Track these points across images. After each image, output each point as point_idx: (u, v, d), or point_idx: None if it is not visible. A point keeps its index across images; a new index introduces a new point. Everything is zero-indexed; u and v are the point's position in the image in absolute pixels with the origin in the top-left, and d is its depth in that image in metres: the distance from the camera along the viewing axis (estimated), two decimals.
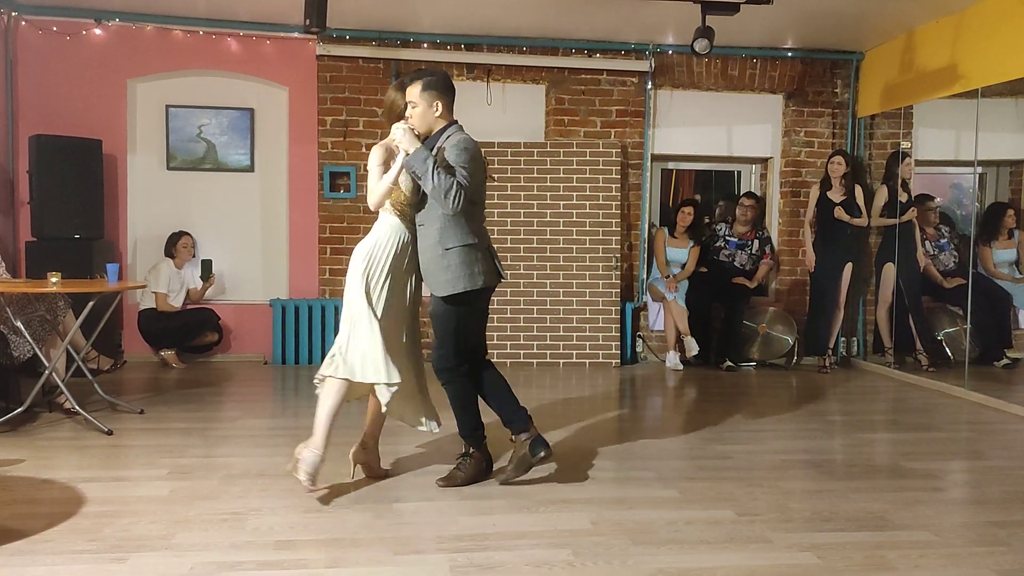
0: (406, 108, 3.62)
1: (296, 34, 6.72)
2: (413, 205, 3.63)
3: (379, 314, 3.53)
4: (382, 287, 3.56)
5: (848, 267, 6.96)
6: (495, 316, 6.92)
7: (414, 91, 3.57)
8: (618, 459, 4.19)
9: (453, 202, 3.39)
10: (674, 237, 7.17)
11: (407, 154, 3.47)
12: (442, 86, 3.61)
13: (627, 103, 7.21)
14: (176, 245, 6.69)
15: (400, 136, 3.50)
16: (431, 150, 3.51)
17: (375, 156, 3.63)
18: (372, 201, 3.62)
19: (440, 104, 3.58)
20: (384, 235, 3.61)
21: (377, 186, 3.57)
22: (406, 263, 3.63)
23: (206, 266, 6.68)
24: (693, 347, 6.83)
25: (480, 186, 3.59)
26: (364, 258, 3.56)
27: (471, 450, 3.75)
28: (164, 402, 5.35)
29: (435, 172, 3.39)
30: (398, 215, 3.62)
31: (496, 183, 6.92)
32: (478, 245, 3.58)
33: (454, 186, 3.39)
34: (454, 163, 3.46)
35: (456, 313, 3.59)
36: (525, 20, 6.54)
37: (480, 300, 3.68)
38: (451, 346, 3.60)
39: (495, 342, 6.87)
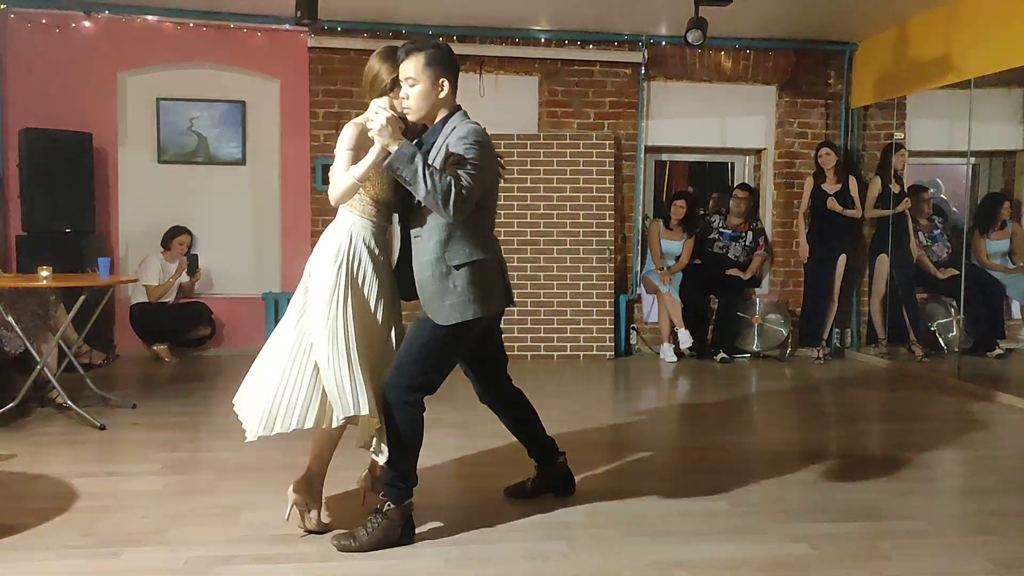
0: (392, 86, 2.90)
1: (287, 26, 6.67)
2: (389, 204, 2.96)
3: (375, 329, 2.94)
4: (370, 298, 2.93)
5: (842, 258, 6.96)
6: None
7: (414, 65, 2.81)
8: (612, 451, 4.19)
9: (453, 208, 2.67)
10: (669, 229, 7.16)
11: (385, 149, 2.71)
12: (449, 61, 2.88)
13: (620, 95, 7.18)
14: (173, 240, 6.64)
15: (379, 124, 2.67)
16: (431, 146, 2.85)
17: (347, 137, 2.87)
18: (334, 195, 2.87)
19: (447, 84, 2.87)
20: (347, 240, 2.93)
21: (341, 178, 2.83)
22: (384, 269, 2.98)
23: (193, 261, 6.64)
24: (686, 339, 6.84)
25: (492, 187, 2.94)
26: (334, 274, 2.89)
27: (388, 505, 2.92)
28: (157, 397, 5.32)
29: (427, 175, 2.65)
30: (365, 215, 2.93)
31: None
32: (488, 261, 2.92)
33: (453, 188, 2.67)
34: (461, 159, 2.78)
35: (447, 340, 2.88)
36: (518, 11, 6.51)
37: (479, 327, 2.96)
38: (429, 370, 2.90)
39: None
